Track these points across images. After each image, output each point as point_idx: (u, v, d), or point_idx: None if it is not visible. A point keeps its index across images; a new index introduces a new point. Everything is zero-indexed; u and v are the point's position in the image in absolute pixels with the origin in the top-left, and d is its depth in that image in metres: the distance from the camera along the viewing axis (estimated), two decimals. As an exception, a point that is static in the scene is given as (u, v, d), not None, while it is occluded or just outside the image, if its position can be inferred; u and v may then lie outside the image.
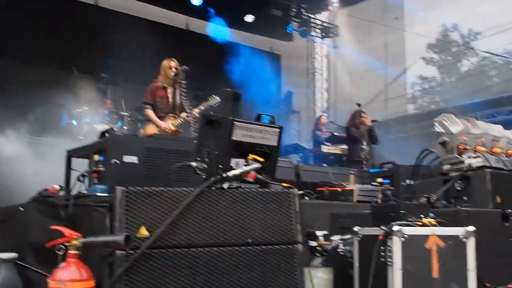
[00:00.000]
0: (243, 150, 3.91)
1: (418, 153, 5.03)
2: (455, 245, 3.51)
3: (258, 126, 3.98)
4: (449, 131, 4.62)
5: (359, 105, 11.32)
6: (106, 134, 4.88)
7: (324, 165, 9.30)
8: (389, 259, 3.41)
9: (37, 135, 10.58)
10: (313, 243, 4.47)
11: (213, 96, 8.40)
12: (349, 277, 3.90)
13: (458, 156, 4.61)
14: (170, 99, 8.26)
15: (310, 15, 19.58)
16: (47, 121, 11.04)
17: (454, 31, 19.50)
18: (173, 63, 8.13)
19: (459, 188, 4.63)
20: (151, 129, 8.08)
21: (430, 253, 3.43)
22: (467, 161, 4.57)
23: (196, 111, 8.01)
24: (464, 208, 4.19)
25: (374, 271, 3.51)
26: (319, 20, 20.07)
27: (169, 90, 8.28)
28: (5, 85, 11.71)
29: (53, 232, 3.54)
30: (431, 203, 4.25)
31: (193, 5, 16.20)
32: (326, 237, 4.55)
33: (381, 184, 6.74)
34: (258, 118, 4.16)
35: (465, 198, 4.58)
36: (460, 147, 4.57)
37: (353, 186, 6.16)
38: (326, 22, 20.12)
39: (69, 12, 13.94)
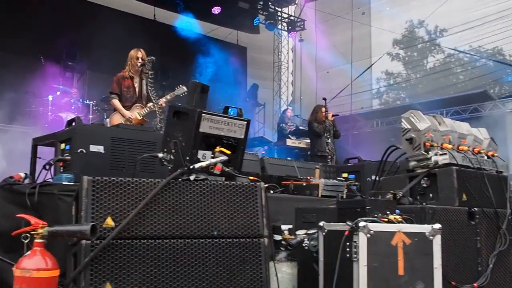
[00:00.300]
0: (210, 142, 3.92)
1: (385, 149, 5.06)
2: (421, 243, 3.54)
3: (226, 119, 3.99)
4: (416, 127, 4.66)
5: (325, 99, 11.38)
6: (73, 123, 4.83)
7: (289, 158, 9.34)
8: (354, 255, 3.44)
9: (3, 122, 10.45)
10: (277, 237, 4.51)
11: (180, 86, 8.41)
12: (313, 272, 3.92)
13: (425, 153, 4.64)
14: (137, 89, 8.26)
15: (277, 8, 19.61)
16: (13, 109, 10.85)
17: (420, 28, 19.68)
18: (140, 54, 8.11)
19: (425, 185, 4.65)
20: (117, 119, 8.06)
21: (396, 250, 3.46)
22: (434, 158, 4.60)
23: (162, 101, 8.05)
24: (430, 206, 4.22)
25: (339, 267, 3.54)
26: (285, 13, 20.11)
27: (136, 80, 8.28)
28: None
29: (18, 220, 3.51)
30: (397, 200, 4.29)
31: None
32: (291, 231, 4.59)
33: (346, 179, 6.82)
34: (226, 110, 4.16)
35: (431, 195, 4.60)
36: (427, 144, 4.60)
37: (318, 180, 6.20)
38: (293, 16, 20.17)
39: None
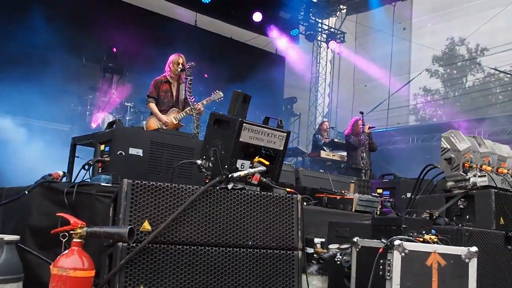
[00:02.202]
0: (249, 152, 3.92)
1: (420, 167, 5.02)
2: (457, 265, 3.49)
3: (266, 129, 3.98)
4: (455, 147, 4.62)
5: (362, 113, 11.34)
6: (114, 125, 4.90)
7: (321, 170, 9.33)
8: (388, 273, 3.41)
9: (42, 119, 10.65)
10: (310, 250, 4.49)
11: (217, 91, 8.49)
12: (344, 287, 3.90)
13: (463, 174, 4.59)
14: (174, 94, 8.34)
15: (317, 19, 19.61)
16: (53, 107, 11.03)
17: (461, 45, 19.48)
18: (181, 60, 8.15)
19: (462, 206, 4.60)
20: (153, 122, 8.14)
21: (430, 271, 3.41)
22: (472, 180, 4.55)
23: (199, 105, 8.06)
24: (466, 228, 4.17)
25: (371, 285, 3.51)
26: (326, 25, 20.09)
27: (174, 85, 8.36)
28: (19, 71, 11.71)
29: (55, 217, 3.57)
30: (433, 220, 4.25)
31: (202, 2, 16.23)
32: (323, 245, 4.57)
33: (381, 195, 6.77)
34: (266, 121, 4.17)
35: (467, 217, 4.55)
36: (466, 164, 4.56)
37: (352, 195, 6.17)
38: (333, 28, 20.15)
39: (81, 1, 13.89)
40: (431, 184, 5.07)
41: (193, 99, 7.83)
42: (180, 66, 8.09)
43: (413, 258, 3.41)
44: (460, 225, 4.28)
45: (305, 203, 5.97)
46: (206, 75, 7.97)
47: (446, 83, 20.55)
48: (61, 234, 3.22)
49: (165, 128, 7.86)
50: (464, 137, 4.71)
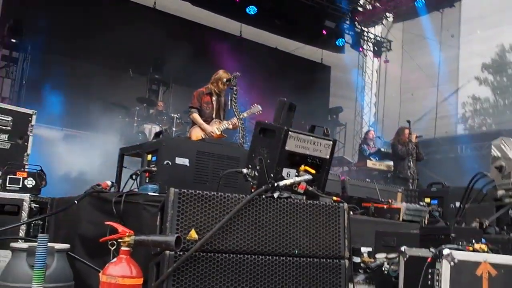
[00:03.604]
0: (295, 160, 3.91)
1: (468, 176, 4.92)
2: (508, 275, 3.38)
3: (312, 138, 3.97)
4: (506, 155, 4.51)
5: (409, 122, 11.21)
6: (160, 135, 4.97)
7: (367, 180, 9.24)
8: (436, 283, 3.34)
9: (90, 130, 10.86)
10: (356, 259, 4.45)
11: (255, 104, 8.63)
12: (392, 297, 3.85)
13: (515, 183, 4.49)
14: (215, 106, 8.53)
15: (363, 28, 19.49)
16: (101, 118, 11.26)
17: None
18: (228, 77, 8.21)
19: (513, 216, 4.51)
20: (197, 132, 8.25)
21: (480, 281, 3.32)
22: (524, 188, 4.45)
23: (234, 120, 8.29)
24: (518, 237, 4.07)
25: (420, 294, 3.45)
26: (372, 33, 19.95)
27: (214, 98, 8.54)
28: (68, 84, 12.01)
29: (104, 226, 3.63)
30: (483, 229, 4.16)
31: (247, 13, 16.33)
32: (370, 254, 4.53)
33: (428, 204, 6.66)
34: (312, 129, 4.16)
35: (518, 226, 4.46)
36: (517, 173, 4.46)
37: (400, 204, 6.09)
38: (379, 36, 19.99)
39: (127, 14, 14.14)
40: (480, 193, 4.96)
41: (238, 108, 7.91)
42: (226, 83, 8.18)
43: (463, 267, 3.33)
44: (511, 234, 4.16)
45: (351, 213, 5.93)
46: (239, 74, 8.00)
47: (496, 91, 20.10)
48: (110, 242, 3.27)
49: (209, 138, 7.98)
50: (515, 145, 4.60)
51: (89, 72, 12.76)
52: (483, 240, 3.67)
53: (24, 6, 12.81)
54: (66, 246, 3.81)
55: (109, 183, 4.99)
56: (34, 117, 5.53)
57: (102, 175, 5.63)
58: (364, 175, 12.92)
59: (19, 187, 4.76)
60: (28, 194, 4.64)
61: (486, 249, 3.52)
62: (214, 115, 8.49)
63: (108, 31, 12.95)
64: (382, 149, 13.99)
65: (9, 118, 5.35)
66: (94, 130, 11.32)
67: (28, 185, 4.79)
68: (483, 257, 3.40)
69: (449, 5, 17.50)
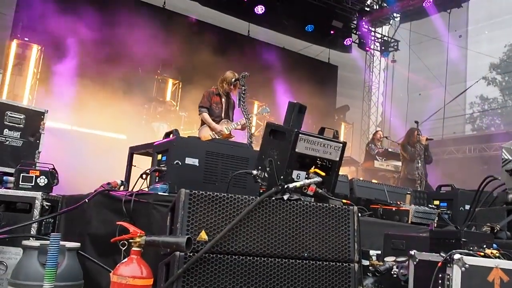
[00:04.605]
0: (305, 162, 3.91)
1: (477, 177, 4.91)
2: (521, 281, 3.38)
3: (322, 140, 3.97)
4: (517, 158, 4.51)
5: (417, 122, 11.19)
6: (171, 135, 4.98)
7: (374, 181, 9.22)
8: (447, 288, 3.34)
9: (99, 129, 10.89)
10: (365, 262, 4.43)
11: (264, 105, 8.68)
12: (400, 301, 3.83)
13: (526, 186, 4.48)
14: (223, 106, 8.61)
15: (370, 28, 19.46)
16: (109, 117, 11.28)
17: (520, 52, 19.00)
18: (236, 77, 8.27)
19: (525, 220, 4.49)
20: (206, 132, 8.30)
21: (492, 287, 3.32)
22: (535, 192, 4.44)
23: (243, 121, 8.31)
24: (529, 242, 4.04)
25: (430, 299, 3.43)
26: (379, 33, 19.92)
27: (223, 98, 8.63)
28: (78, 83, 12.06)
29: (114, 225, 3.64)
30: (494, 233, 4.13)
31: (255, 13, 16.34)
32: (379, 257, 4.51)
33: (438, 207, 6.63)
34: (322, 131, 4.16)
35: (530, 231, 4.43)
36: (529, 176, 4.45)
37: (408, 206, 6.06)
38: (386, 36, 19.96)
39: (137, 13, 14.13)
40: (491, 196, 4.94)
41: (247, 108, 7.94)
42: (234, 84, 8.25)
43: (474, 273, 3.30)
44: (522, 239, 4.15)
45: (359, 214, 5.92)
46: (247, 73, 8.06)
47: (504, 91, 20.05)
48: (121, 242, 3.28)
49: (218, 137, 8.02)
50: (526, 147, 4.59)
51: (97, 69, 12.77)
52: (494, 245, 3.65)
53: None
54: (76, 245, 3.82)
55: (119, 182, 5.02)
56: (46, 115, 5.57)
57: (112, 174, 5.64)
58: (370, 176, 12.90)
59: (31, 185, 4.78)
60: (41, 192, 4.66)
61: (497, 254, 3.50)
62: (223, 115, 8.56)
63: (118, 30, 12.98)
64: (390, 150, 13.96)
65: (22, 116, 5.37)
66: (104, 129, 11.35)
67: (40, 183, 4.81)
68: (495, 262, 3.37)
69: (457, 6, 17.45)
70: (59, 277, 3.44)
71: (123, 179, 5.36)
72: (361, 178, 9.54)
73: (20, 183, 4.76)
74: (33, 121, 5.46)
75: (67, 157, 8.40)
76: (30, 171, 4.83)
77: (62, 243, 3.52)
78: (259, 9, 16.31)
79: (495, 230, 4.20)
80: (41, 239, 4.20)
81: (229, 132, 8.44)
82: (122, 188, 5.03)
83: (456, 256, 3.31)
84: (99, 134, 11.10)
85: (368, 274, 4.37)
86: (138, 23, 13.52)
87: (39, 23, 12.35)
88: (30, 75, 12.52)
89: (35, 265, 3.58)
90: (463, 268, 3.29)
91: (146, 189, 4.75)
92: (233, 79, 8.25)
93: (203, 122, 8.52)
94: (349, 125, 19.40)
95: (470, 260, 3.32)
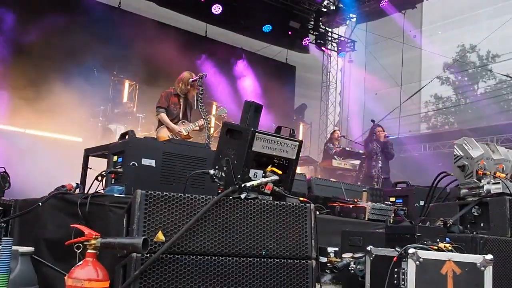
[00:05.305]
0: (262, 161, 3.90)
1: (432, 174, 5.00)
2: (472, 273, 3.45)
3: (278, 139, 3.97)
4: (469, 155, 4.59)
5: (373, 121, 11.39)
6: (126, 136, 4.92)
7: (332, 179, 9.31)
8: (402, 282, 3.39)
9: (54, 131, 10.71)
10: (323, 259, 4.48)
11: (221, 107, 8.72)
12: (358, 296, 3.88)
13: (477, 181, 4.57)
14: (182, 107, 8.60)
15: (327, 28, 19.64)
16: (65, 118, 11.11)
17: (472, 53, 19.44)
18: (192, 77, 8.27)
19: (476, 214, 4.56)
20: (164, 133, 8.25)
21: (445, 279, 3.38)
22: (486, 187, 4.52)
23: (201, 122, 8.32)
24: (481, 235, 4.12)
25: (386, 293, 3.49)
26: (336, 34, 20.13)
27: (181, 99, 8.61)
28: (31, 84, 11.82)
29: (69, 229, 3.58)
30: (447, 228, 4.22)
31: (212, 13, 16.31)
32: (336, 254, 4.56)
33: (393, 203, 6.74)
34: (278, 130, 4.17)
35: (482, 224, 4.50)
36: (479, 172, 4.54)
37: (365, 203, 6.14)
38: (343, 37, 20.17)
39: (92, 13, 13.95)
40: (444, 192, 5.04)
41: (205, 109, 7.93)
42: (191, 83, 8.24)
43: (428, 266, 3.38)
44: (474, 232, 4.24)
45: (317, 212, 5.97)
46: (205, 74, 8.07)
47: (457, 91, 20.52)
48: (76, 245, 3.23)
49: (176, 138, 7.97)
50: (477, 144, 4.69)
51: (52, 70, 12.56)
52: (447, 239, 3.73)
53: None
54: (30, 249, 3.75)
55: (74, 184, 4.93)
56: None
57: (67, 176, 5.55)
58: (328, 175, 13.01)
59: (-19, 189, 4.67)
60: (-9, 196, 4.56)
61: (450, 248, 3.58)
62: (181, 116, 8.53)
63: (72, 30, 12.79)
64: (348, 148, 14.10)
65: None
66: (58, 131, 11.15)
67: (-10, 187, 4.71)
68: (447, 256, 3.45)
69: (411, 7, 17.77)
70: (12, 282, 3.38)
71: (79, 182, 5.28)
72: (319, 177, 9.64)
73: (-30, 187, 4.65)
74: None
75: (21, 161, 8.24)
76: (-21, 175, 4.72)
77: (15, 247, 3.45)
78: (216, 9, 16.27)
79: (448, 225, 4.29)
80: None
81: (187, 133, 8.41)
82: (77, 191, 4.95)
83: (411, 251, 3.38)
84: (53, 136, 10.90)
85: (326, 271, 4.42)
86: (93, 22, 13.35)
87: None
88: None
89: (-13, 271, 3.50)
90: (417, 262, 3.36)
91: (102, 192, 4.68)
92: (190, 80, 8.22)
93: (160, 123, 8.45)
94: (307, 125, 19.54)
95: (424, 254, 3.39)
